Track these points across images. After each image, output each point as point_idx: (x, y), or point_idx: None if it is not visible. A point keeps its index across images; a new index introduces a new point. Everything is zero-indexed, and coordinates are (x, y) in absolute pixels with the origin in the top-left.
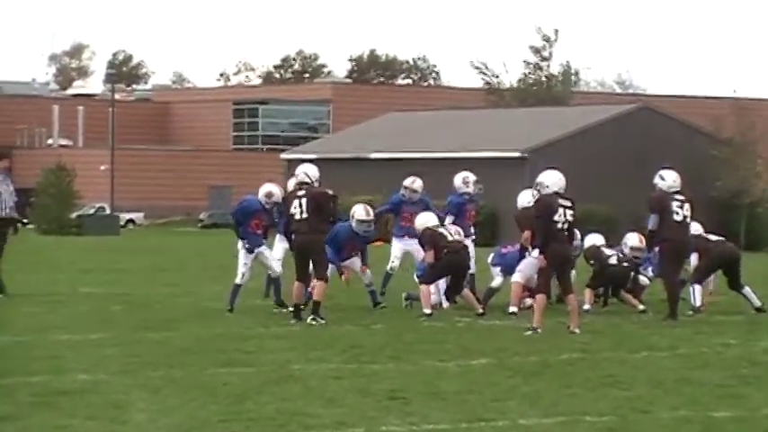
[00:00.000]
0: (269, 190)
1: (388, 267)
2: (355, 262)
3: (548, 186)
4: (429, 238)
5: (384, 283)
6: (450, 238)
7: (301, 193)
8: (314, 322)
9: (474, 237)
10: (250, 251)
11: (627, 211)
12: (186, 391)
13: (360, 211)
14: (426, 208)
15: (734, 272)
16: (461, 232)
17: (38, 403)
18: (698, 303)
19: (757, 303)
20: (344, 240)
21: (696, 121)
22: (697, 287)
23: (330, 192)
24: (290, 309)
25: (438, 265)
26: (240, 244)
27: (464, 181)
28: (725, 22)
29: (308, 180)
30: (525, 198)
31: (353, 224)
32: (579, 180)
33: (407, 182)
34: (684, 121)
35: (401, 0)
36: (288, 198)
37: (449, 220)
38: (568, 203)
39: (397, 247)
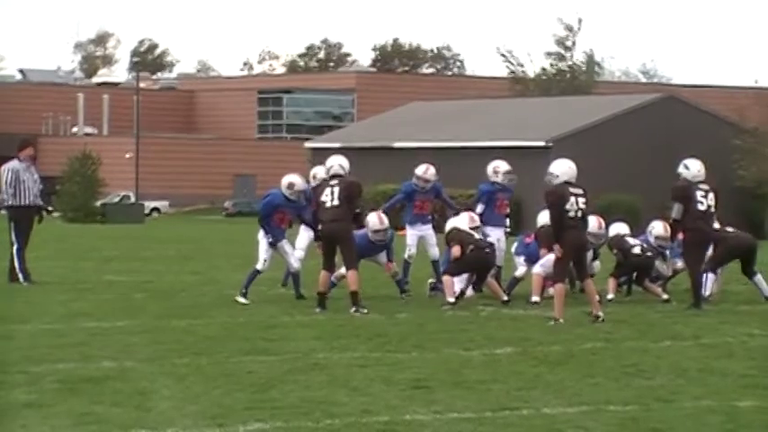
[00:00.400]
0: (290, 181)
1: (406, 256)
2: (380, 257)
3: (558, 176)
4: (456, 235)
5: (405, 272)
6: (476, 236)
7: (335, 182)
8: (357, 314)
9: (508, 228)
10: (272, 245)
11: (651, 201)
12: (211, 378)
13: (374, 221)
14: (438, 195)
15: (750, 261)
16: (476, 219)
17: (63, 390)
18: (708, 292)
19: (767, 293)
20: (362, 250)
21: (720, 110)
22: (710, 276)
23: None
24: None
25: (463, 260)
26: (261, 233)
27: (494, 170)
28: (748, 11)
29: (341, 172)
30: (545, 218)
31: (369, 234)
32: (603, 169)
33: (420, 171)
34: (709, 110)
35: None
36: (320, 186)
37: (479, 208)
38: (580, 191)
39: (411, 234)
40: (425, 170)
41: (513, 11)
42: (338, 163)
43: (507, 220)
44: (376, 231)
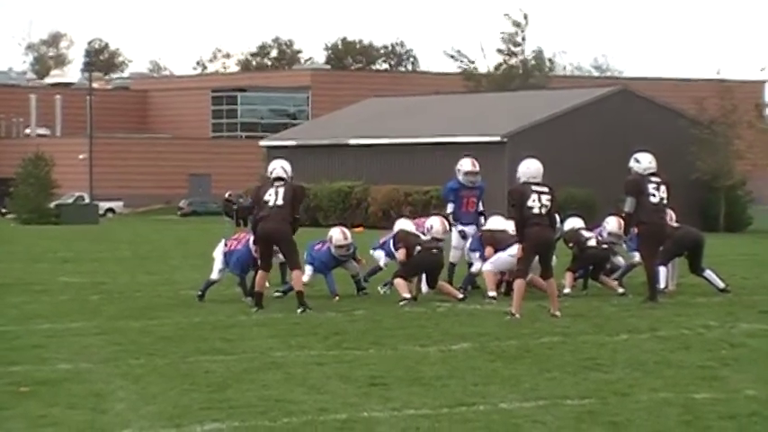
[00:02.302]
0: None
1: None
2: (349, 266)
3: (519, 176)
4: (402, 238)
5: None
6: (423, 237)
7: (279, 183)
8: (303, 313)
9: (477, 226)
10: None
11: (607, 194)
12: (167, 379)
13: (337, 236)
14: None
15: (697, 255)
16: (446, 227)
17: (18, 393)
18: (662, 285)
19: (721, 285)
20: (325, 265)
21: (678, 103)
22: (662, 269)
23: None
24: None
25: (412, 261)
26: (219, 248)
27: (458, 168)
28: (705, 1)
29: (284, 175)
30: (492, 222)
31: (332, 249)
32: (559, 164)
33: (466, 164)
34: (664, 103)
35: None
36: (262, 187)
37: (449, 207)
38: (544, 189)
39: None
40: (472, 164)
41: (465, 6)
42: (281, 166)
43: (482, 218)
44: (339, 247)
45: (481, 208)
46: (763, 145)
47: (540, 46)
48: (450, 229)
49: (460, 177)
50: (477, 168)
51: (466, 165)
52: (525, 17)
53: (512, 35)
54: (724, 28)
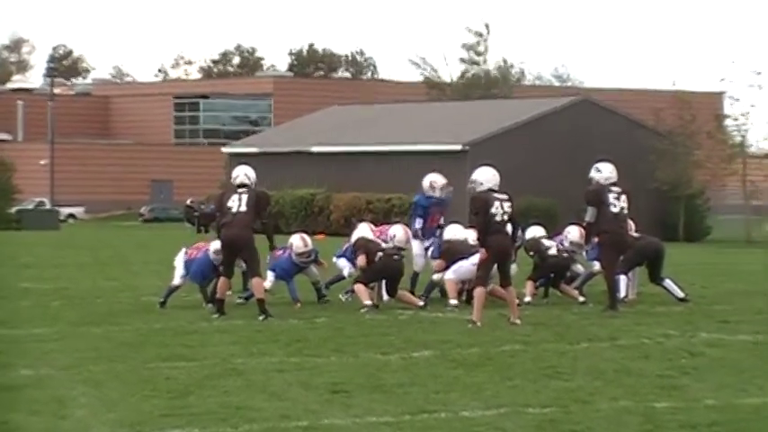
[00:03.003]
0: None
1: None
2: (309, 272)
3: (482, 183)
4: (363, 245)
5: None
6: (384, 245)
7: (243, 190)
8: (265, 320)
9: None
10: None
11: (568, 204)
12: (128, 385)
13: (297, 243)
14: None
15: (657, 265)
16: (409, 235)
17: None
18: (623, 294)
19: (680, 294)
20: (286, 271)
21: (637, 113)
22: (622, 278)
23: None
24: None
25: (372, 268)
26: (180, 256)
27: (431, 185)
28: (664, 13)
29: (248, 182)
30: (450, 232)
31: (293, 256)
32: (520, 173)
33: (430, 179)
34: (624, 113)
35: None
36: (225, 193)
37: (418, 223)
38: (505, 197)
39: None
40: (434, 179)
41: (429, 15)
42: (244, 173)
43: (438, 231)
44: (300, 254)
45: (441, 221)
46: (721, 155)
47: (504, 57)
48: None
49: (436, 193)
50: (444, 183)
51: (439, 180)
52: (487, 27)
53: (474, 45)
54: (683, 39)
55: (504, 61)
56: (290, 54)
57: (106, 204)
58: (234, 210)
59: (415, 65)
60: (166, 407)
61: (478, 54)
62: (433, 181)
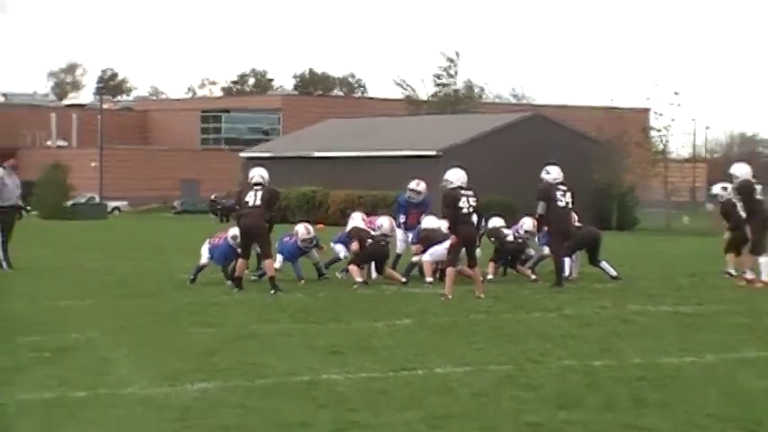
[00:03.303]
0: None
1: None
2: (311, 255)
3: (452, 182)
4: (356, 233)
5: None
6: (373, 233)
7: (258, 188)
8: (275, 294)
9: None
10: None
11: (523, 199)
12: (163, 347)
13: (302, 231)
14: (426, 207)
15: (595, 250)
16: (393, 225)
17: (38, 357)
18: (567, 273)
19: (613, 273)
20: (293, 254)
21: (579, 125)
22: (567, 260)
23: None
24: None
25: (364, 252)
26: (205, 247)
27: (410, 190)
28: (604, 43)
29: (262, 181)
30: (428, 222)
31: (299, 242)
32: (484, 174)
33: (412, 184)
34: (569, 126)
35: (333, 25)
36: (243, 190)
37: (402, 218)
38: (470, 193)
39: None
40: (417, 184)
41: (408, 43)
42: (260, 174)
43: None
44: (304, 240)
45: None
46: (647, 160)
47: (470, 79)
48: (398, 227)
49: (414, 197)
50: (421, 188)
51: (417, 186)
52: (457, 54)
53: (446, 68)
54: (618, 65)
55: (470, 82)
56: (294, 77)
57: (144, 199)
58: (250, 203)
59: (398, 85)
60: (194, 364)
61: (450, 76)
62: (411, 188)
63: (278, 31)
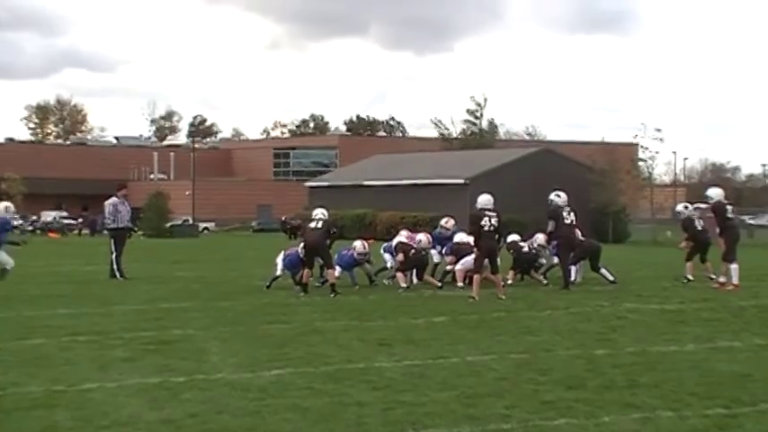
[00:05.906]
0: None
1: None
2: (365, 266)
3: (477, 205)
4: (401, 247)
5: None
6: (414, 246)
7: (319, 218)
8: (334, 297)
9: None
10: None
11: (536, 219)
12: (245, 340)
13: (359, 246)
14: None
15: (595, 259)
16: (430, 240)
17: (147, 349)
18: (573, 278)
19: (611, 278)
20: (349, 264)
21: (580, 157)
22: (573, 268)
23: (335, 228)
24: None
25: (407, 261)
26: (280, 257)
27: (442, 226)
28: (601, 92)
29: (322, 218)
30: (459, 237)
31: (355, 255)
32: (503, 197)
33: (442, 221)
34: (572, 158)
35: (380, 78)
36: (307, 222)
37: (438, 248)
38: (494, 214)
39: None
40: (446, 221)
41: (441, 90)
42: (321, 212)
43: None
44: (360, 254)
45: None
46: (636, 185)
47: (493, 118)
48: (433, 243)
49: (446, 231)
50: (449, 225)
51: (447, 223)
52: (485, 99)
53: (474, 111)
54: (611, 110)
55: (493, 121)
56: (345, 123)
57: (229, 220)
58: (312, 227)
59: (434, 124)
60: (270, 354)
61: (477, 117)
62: (442, 224)
63: (332, 83)
